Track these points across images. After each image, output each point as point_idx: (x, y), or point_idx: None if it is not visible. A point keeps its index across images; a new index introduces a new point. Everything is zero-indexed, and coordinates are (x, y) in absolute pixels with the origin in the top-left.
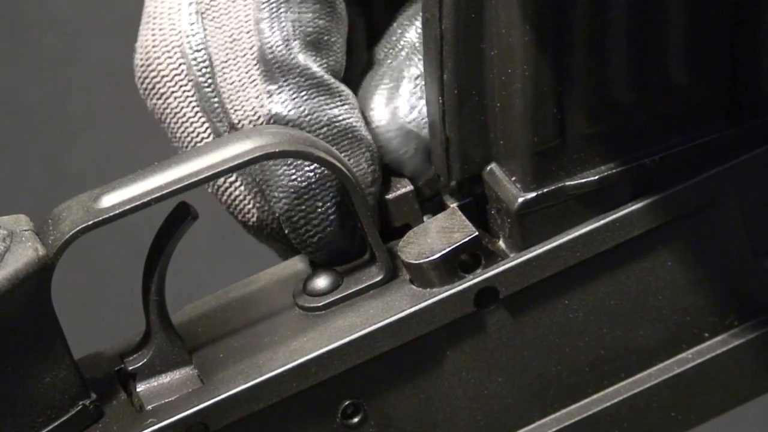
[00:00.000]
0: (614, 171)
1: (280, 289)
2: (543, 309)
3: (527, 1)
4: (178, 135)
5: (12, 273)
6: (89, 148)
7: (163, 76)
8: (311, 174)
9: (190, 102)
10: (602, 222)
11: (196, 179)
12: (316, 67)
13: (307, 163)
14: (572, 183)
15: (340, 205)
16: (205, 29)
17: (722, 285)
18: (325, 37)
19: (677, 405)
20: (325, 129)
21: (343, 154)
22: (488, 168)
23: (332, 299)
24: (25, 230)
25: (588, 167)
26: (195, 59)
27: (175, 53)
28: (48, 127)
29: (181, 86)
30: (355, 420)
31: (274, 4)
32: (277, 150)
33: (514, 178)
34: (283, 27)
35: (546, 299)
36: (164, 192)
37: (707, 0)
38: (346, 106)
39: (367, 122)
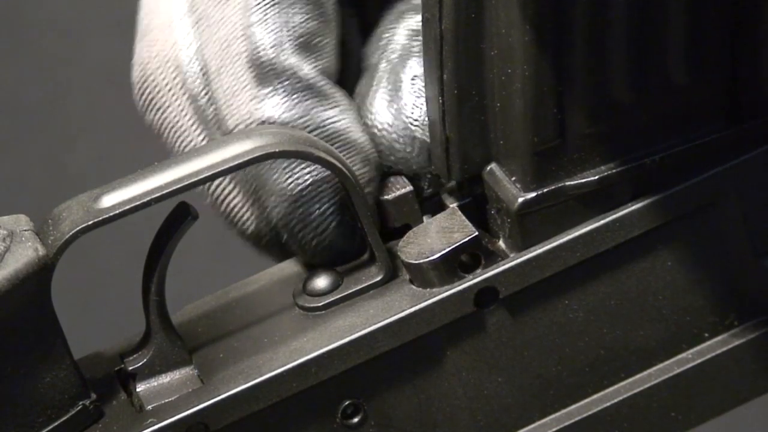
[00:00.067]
0: (614, 171)
1: (280, 289)
2: (543, 309)
3: (527, 1)
4: (176, 147)
5: (12, 273)
6: (89, 148)
7: (159, 90)
8: (306, 180)
9: (187, 113)
10: (602, 222)
11: (196, 179)
12: (307, 70)
13: (300, 168)
14: (572, 183)
15: (337, 208)
16: (203, 40)
17: (722, 285)
18: (316, 39)
19: (677, 405)
20: (317, 131)
21: None
22: (488, 168)
23: (332, 299)
24: (25, 230)
25: (588, 167)
26: (190, 70)
27: (170, 66)
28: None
29: (177, 98)
30: (355, 420)
31: (262, 8)
32: (277, 150)
33: (514, 178)
34: (273, 30)
35: (546, 299)
36: (164, 192)
37: (707, 0)
38: (338, 108)
39: (369, 125)
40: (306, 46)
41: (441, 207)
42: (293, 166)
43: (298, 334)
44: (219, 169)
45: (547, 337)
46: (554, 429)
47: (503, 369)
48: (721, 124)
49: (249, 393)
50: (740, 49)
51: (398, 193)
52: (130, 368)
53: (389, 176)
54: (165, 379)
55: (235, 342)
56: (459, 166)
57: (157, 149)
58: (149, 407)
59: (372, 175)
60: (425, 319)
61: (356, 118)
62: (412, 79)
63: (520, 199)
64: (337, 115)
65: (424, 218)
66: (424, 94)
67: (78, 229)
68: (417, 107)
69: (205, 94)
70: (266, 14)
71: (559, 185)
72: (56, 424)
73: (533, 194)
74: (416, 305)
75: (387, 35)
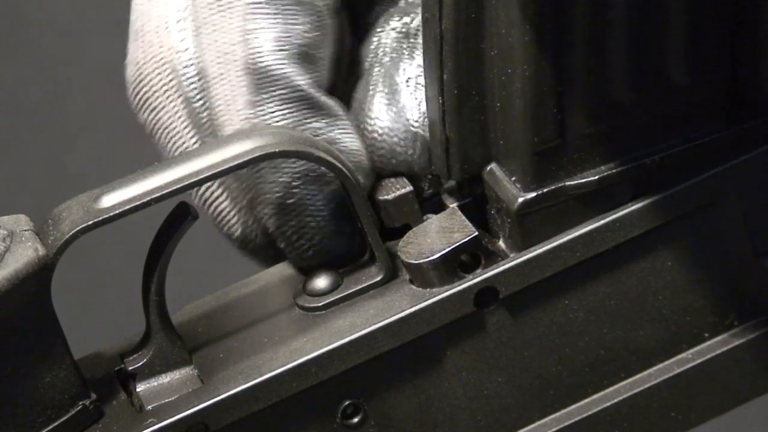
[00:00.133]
0: (614, 171)
1: (280, 289)
2: (543, 309)
3: (527, 1)
4: (168, 149)
5: (12, 273)
6: (89, 148)
7: (154, 91)
8: (297, 188)
9: (181, 116)
10: (602, 222)
11: (196, 179)
12: (302, 80)
13: (291, 177)
14: (572, 183)
15: (333, 213)
16: (200, 45)
17: (722, 285)
18: (314, 50)
19: (677, 405)
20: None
21: None
22: (488, 168)
23: (332, 299)
24: (25, 230)
25: (588, 167)
26: (185, 74)
27: (166, 68)
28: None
29: (171, 101)
30: (355, 420)
31: (265, 16)
32: (277, 150)
33: (514, 178)
34: (271, 38)
35: (546, 299)
36: (164, 192)
37: (707, 0)
38: (330, 119)
39: (369, 131)
40: (304, 56)
41: (441, 207)
42: (283, 177)
43: (298, 334)
44: (219, 169)
45: (547, 337)
46: (554, 429)
47: (503, 369)
48: (721, 124)
49: (249, 393)
50: (740, 49)
51: (398, 193)
52: (130, 368)
53: (389, 177)
54: (165, 379)
55: (235, 342)
56: (459, 166)
57: (157, 149)
58: (149, 407)
59: (363, 182)
60: (425, 319)
61: (349, 126)
62: (407, 81)
63: (520, 199)
64: (328, 126)
65: (424, 218)
66: (420, 95)
67: (78, 229)
68: (415, 109)
69: (200, 98)
70: (267, 22)
71: (559, 185)
72: (56, 424)
73: (533, 194)
74: (416, 305)
75: (376, 39)
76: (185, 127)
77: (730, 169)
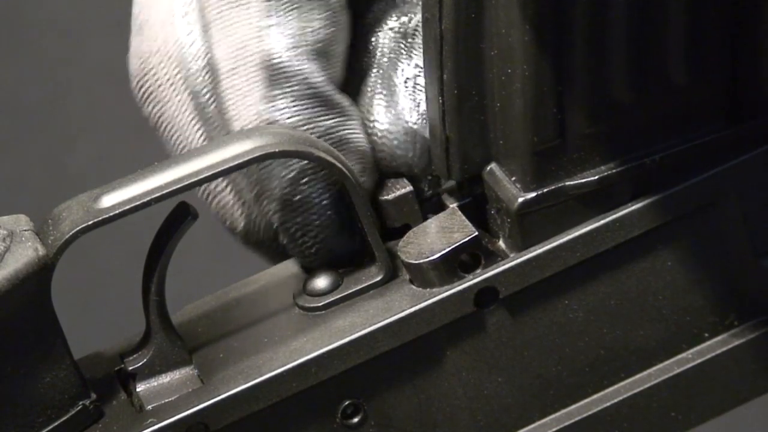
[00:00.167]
0: (614, 171)
1: (280, 289)
2: (543, 309)
3: (527, 1)
4: (173, 142)
5: (12, 273)
6: (89, 148)
7: (159, 84)
8: (304, 185)
9: (187, 109)
10: (602, 222)
11: (196, 179)
12: (318, 77)
13: (299, 174)
14: (572, 183)
15: (337, 212)
16: (209, 39)
17: (722, 285)
18: (331, 47)
19: (677, 405)
20: (321, 139)
21: None
22: (488, 168)
23: (332, 299)
24: (25, 230)
25: (588, 167)
26: (192, 68)
27: (173, 62)
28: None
29: (178, 94)
30: (355, 420)
31: (282, 11)
32: (277, 150)
33: (514, 178)
34: (290, 34)
35: (546, 299)
36: (164, 192)
37: (707, 0)
38: (342, 118)
39: (369, 132)
40: (321, 52)
41: (441, 207)
42: (292, 173)
43: (298, 334)
44: (219, 169)
45: (547, 337)
46: (554, 429)
47: (503, 369)
48: (721, 124)
49: (249, 393)
50: (740, 49)
51: (398, 193)
52: (130, 368)
53: (389, 177)
54: (165, 379)
55: (235, 342)
56: (459, 166)
57: (157, 149)
58: (149, 407)
59: (370, 184)
60: (425, 319)
61: (358, 126)
62: (406, 82)
63: (520, 199)
64: (340, 125)
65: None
66: (419, 96)
67: (78, 229)
68: (414, 110)
69: (208, 92)
70: (285, 17)
71: (559, 185)
72: (56, 424)
73: (533, 194)
74: (416, 305)
75: (374, 39)
76: (191, 121)
77: (730, 169)
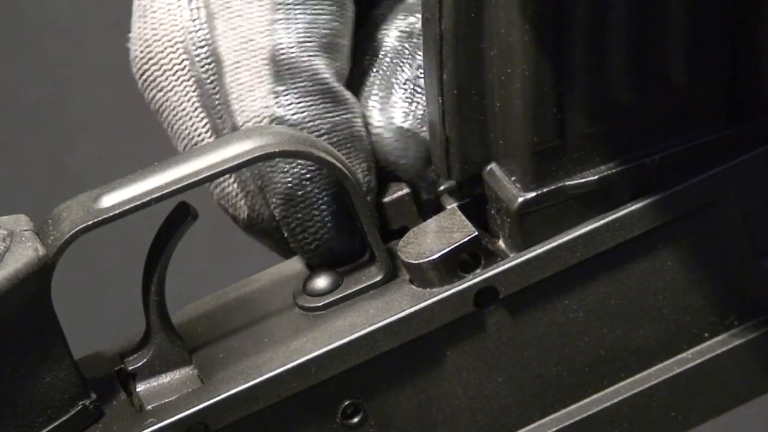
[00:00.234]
0: (614, 171)
1: (280, 289)
2: (543, 309)
3: (527, 1)
4: (175, 128)
5: (12, 273)
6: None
7: (165, 70)
8: (307, 182)
9: (191, 97)
10: (602, 222)
11: (196, 179)
12: (325, 72)
13: (303, 170)
14: (572, 183)
15: (338, 210)
16: (215, 29)
17: (722, 285)
18: (338, 40)
19: (677, 405)
20: (325, 137)
21: None
22: (488, 168)
23: (332, 299)
24: (25, 230)
25: (588, 167)
26: (198, 55)
27: (178, 48)
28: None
29: (183, 81)
30: (355, 420)
31: (290, 5)
32: (277, 150)
33: (513, 178)
34: (298, 28)
35: (546, 299)
36: (164, 192)
37: (707, 0)
38: (349, 115)
39: (368, 131)
40: (328, 47)
41: (439, 209)
42: (296, 168)
43: (298, 334)
44: (219, 169)
45: (547, 337)
46: (554, 429)
47: (503, 369)
48: (721, 124)
49: (249, 393)
50: (740, 49)
51: (395, 195)
52: (130, 368)
53: (386, 179)
54: (165, 379)
55: (235, 342)
56: (459, 166)
57: (157, 149)
58: (149, 407)
59: (374, 183)
60: (425, 319)
61: (363, 124)
62: (404, 84)
63: (520, 199)
64: (347, 122)
65: (422, 220)
66: (416, 99)
67: (78, 229)
68: (410, 114)
69: (212, 81)
70: (293, 12)
71: (559, 185)
72: (56, 424)
73: (533, 194)
74: (416, 305)
75: (380, 36)
76: (195, 109)
77: (730, 169)
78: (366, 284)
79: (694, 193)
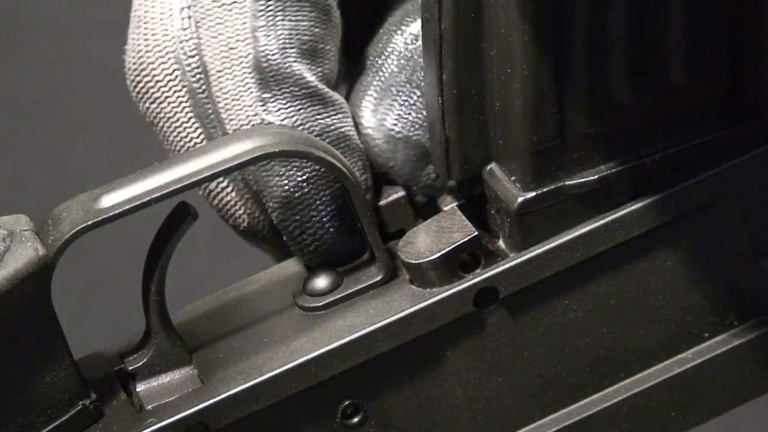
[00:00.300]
0: (614, 171)
1: (280, 289)
2: (543, 309)
3: (527, 1)
4: (170, 139)
5: (12, 273)
6: (89, 148)
7: (157, 81)
8: (304, 184)
9: (184, 108)
10: (602, 222)
11: (196, 179)
12: (310, 76)
13: (299, 172)
14: (572, 182)
15: (336, 211)
16: (200, 37)
17: (722, 285)
18: (321, 45)
19: (677, 405)
20: (319, 138)
21: None
22: (488, 168)
23: (332, 299)
24: (25, 230)
25: (588, 167)
26: (189, 65)
27: (169, 59)
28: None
29: (175, 92)
30: (355, 420)
31: (270, 12)
32: (277, 150)
33: (513, 178)
34: (279, 35)
35: (546, 299)
36: (164, 192)
37: (707, 0)
38: (339, 116)
39: (357, 131)
40: (310, 52)
41: (436, 210)
42: (292, 171)
43: (298, 334)
44: (219, 169)
45: (547, 337)
46: (554, 429)
47: (503, 369)
48: (720, 124)
49: (249, 393)
50: (740, 49)
51: (391, 198)
52: (130, 368)
53: (381, 183)
54: (165, 379)
55: (235, 342)
56: (459, 165)
57: (158, 149)
58: (149, 407)
59: (371, 182)
60: (425, 319)
61: (354, 124)
62: (402, 86)
63: (520, 199)
64: (338, 123)
65: (419, 222)
66: (413, 103)
67: (78, 229)
68: (402, 118)
69: (203, 90)
70: (274, 19)
71: (559, 185)
72: (56, 424)
73: (533, 194)
74: (416, 305)
75: (386, 37)
76: (189, 119)
77: (730, 169)
78: (366, 284)
79: (694, 193)
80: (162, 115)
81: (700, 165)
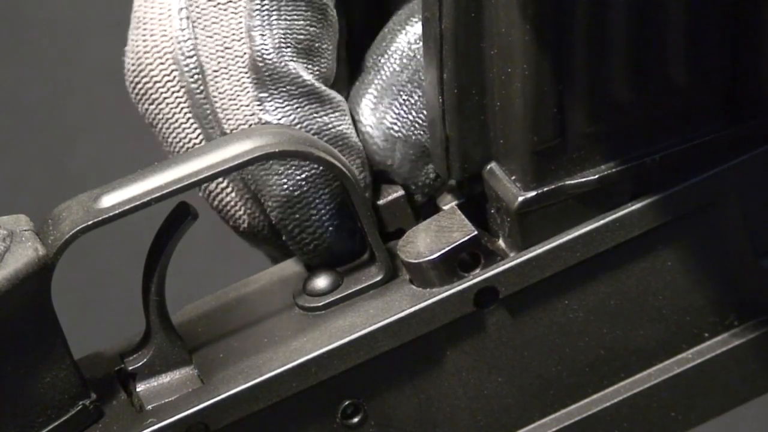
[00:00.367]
0: (614, 170)
1: (280, 289)
2: (543, 309)
3: (527, 1)
4: (169, 140)
5: (12, 273)
6: (89, 148)
7: (155, 82)
8: (303, 182)
9: (183, 108)
10: (602, 222)
11: (196, 179)
12: (307, 75)
13: (298, 171)
14: (572, 182)
15: (336, 210)
16: (196, 37)
17: (722, 285)
18: (317, 44)
19: (677, 405)
20: (316, 137)
21: None
22: (488, 167)
23: (332, 299)
24: (25, 230)
25: (588, 166)
26: (187, 65)
27: (167, 59)
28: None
29: (173, 92)
30: (355, 420)
31: (266, 12)
32: (277, 150)
33: (513, 177)
34: (275, 34)
35: (546, 299)
36: (164, 192)
37: (707, 0)
38: (337, 114)
39: (356, 129)
40: (306, 51)
41: (435, 210)
42: (291, 170)
43: (298, 334)
44: (219, 169)
45: (547, 337)
46: (554, 429)
47: (503, 369)
48: (720, 124)
49: (249, 393)
50: (740, 49)
51: (390, 197)
52: (130, 368)
53: (380, 182)
54: (165, 379)
55: (235, 342)
56: (459, 165)
57: (158, 149)
58: (149, 407)
59: (370, 180)
60: (425, 319)
61: (353, 122)
62: (403, 86)
63: (520, 198)
64: (336, 121)
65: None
66: (413, 103)
67: (78, 229)
68: (402, 118)
69: (201, 90)
70: (269, 18)
71: (559, 184)
72: (56, 424)
73: (533, 193)
74: (416, 305)
75: (390, 36)
76: (187, 120)
77: (730, 169)
78: (366, 284)
79: (694, 193)
80: (161, 116)
81: (700, 165)
